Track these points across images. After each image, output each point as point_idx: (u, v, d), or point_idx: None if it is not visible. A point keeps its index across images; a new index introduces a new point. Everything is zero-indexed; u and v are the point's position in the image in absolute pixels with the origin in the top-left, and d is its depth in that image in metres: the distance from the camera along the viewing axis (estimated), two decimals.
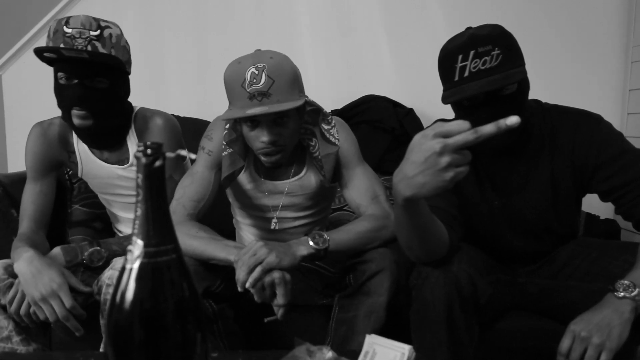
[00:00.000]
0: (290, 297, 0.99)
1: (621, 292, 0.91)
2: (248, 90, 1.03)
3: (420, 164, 0.73)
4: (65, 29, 1.12)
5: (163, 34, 1.92)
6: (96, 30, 1.14)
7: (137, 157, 0.44)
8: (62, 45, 1.11)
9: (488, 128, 0.67)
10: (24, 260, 1.08)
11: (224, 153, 1.18)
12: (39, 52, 1.12)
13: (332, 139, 1.21)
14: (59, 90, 1.18)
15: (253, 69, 1.04)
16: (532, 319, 1.17)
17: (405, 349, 0.75)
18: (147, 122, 1.30)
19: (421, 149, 0.73)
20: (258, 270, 0.96)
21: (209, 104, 1.79)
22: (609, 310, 0.90)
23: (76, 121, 1.17)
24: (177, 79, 1.95)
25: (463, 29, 1.05)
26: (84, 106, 1.15)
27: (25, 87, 1.99)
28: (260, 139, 1.09)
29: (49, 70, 1.98)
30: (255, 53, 1.08)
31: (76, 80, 1.14)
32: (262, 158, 1.12)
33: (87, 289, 1.11)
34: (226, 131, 1.18)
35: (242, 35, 1.97)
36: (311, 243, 1.03)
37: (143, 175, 0.44)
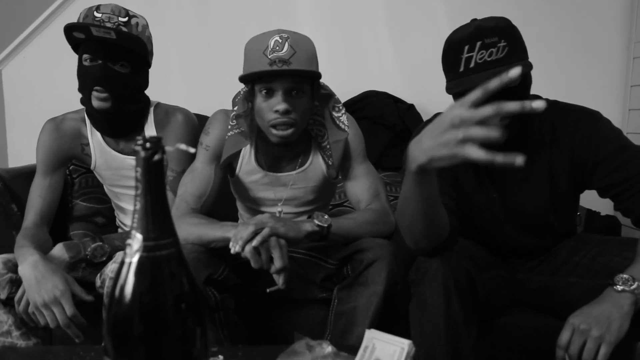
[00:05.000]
0: (287, 261, 1.02)
1: (620, 285, 0.91)
2: (269, 56, 1.06)
3: (436, 135, 0.69)
4: (95, 13, 1.18)
5: (164, 29, 1.91)
6: (124, 17, 1.20)
7: (136, 151, 0.44)
8: (91, 28, 1.15)
9: (512, 106, 0.62)
10: (29, 265, 1.09)
11: (229, 133, 1.19)
12: (69, 30, 1.17)
13: (342, 126, 1.22)
14: (82, 72, 1.21)
15: (277, 37, 1.07)
16: (532, 315, 1.17)
17: (405, 344, 0.75)
18: (169, 117, 1.34)
19: (439, 121, 0.69)
20: (266, 230, 1.00)
21: (210, 99, 1.78)
22: (608, 303, 0.90)
23: (95, 103, 1.20)
24: (178, 74, 1.95)
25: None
26: (105, 87, 1.19)
27: (26, 82, 1.99)
28: (274, 107, 1.09)
29: (49, 65, 1.98)
30: (278, 29, 1.11)
31: (100, 61, 1.18)
32: (273, 131, 1.12)
33: (89, 297, 1.12)
34: (239, 99, 1.19)
35: (244, 30, 1.94)
36: (315, 221, 1.07)
37: (142, 169, 0.44)
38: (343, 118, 1.23)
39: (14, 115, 2.02)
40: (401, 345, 0.75)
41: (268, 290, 1.04)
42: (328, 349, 0.75)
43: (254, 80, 1.11)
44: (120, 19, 1.19)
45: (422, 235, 0.94)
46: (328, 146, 1.20)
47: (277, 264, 1.00)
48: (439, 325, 0.95)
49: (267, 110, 1.10)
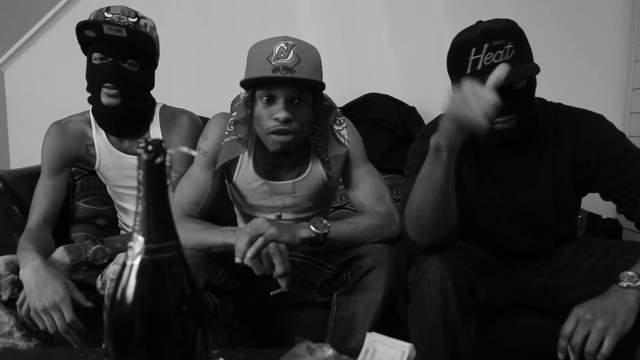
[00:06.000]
0: (289, 266, 1.01)
1: (625, 282, 0.92)
2: (273, 63, 1.03)
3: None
4: (105, 14, 1.21)
5: (164, 29, 1.91)
6: (134, 18, 1.22)
7: (138, 154, 0.44)
8: (103, 26, 1.16)
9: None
10: (31, 269, 1.09)
11: (226, 139, 1.17)
12: (80, 29, 1.19)
13: (342, 140, 1.20)
14: (91, 70, 1.23)
15: (282, 44, 1.04)
16: (533, 317, 1.17)
17: (406, 347, 0.75)
18: (175, 119, 1.35)
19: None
20: (260, 240, 0.98)
21: (210, 100, 1.79)
22: (614, 298, 0.90)
23: (105, 99, 1.22)
24: (178, 74, 1.95)
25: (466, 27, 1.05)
26: (115, 83, 1.21)
27: (28, 83, 1.99)
28: (274, 115, 1.06)
29: (52, 67, 1.99)
30: (284, 36, 1.09)
31: (110, 59, 1.20)
32: (273, 137, 1.08)
33: (89, 304, 1.12)
34: (238, 104, 1.17)
35: (244, 30, 1.97)
36: (312, 227, 1.05)
37: (144, 172, 0.44)
38: (344, 132, 1.20)
39: (16, 117, 2.02)
40: (402, 348, 0.75)
41: (272, 293, 1.04)
42: (329, 351, 0.75)
43: (255, 86, 1.08)
44: (130, 19, 1.21)
45: (430, 223, 0.95)
46: (327, 159, 1.19)
47: (279, 269, 0.99)
48: (437, 326, 0.95)
49: (267, 117, 1.08)
